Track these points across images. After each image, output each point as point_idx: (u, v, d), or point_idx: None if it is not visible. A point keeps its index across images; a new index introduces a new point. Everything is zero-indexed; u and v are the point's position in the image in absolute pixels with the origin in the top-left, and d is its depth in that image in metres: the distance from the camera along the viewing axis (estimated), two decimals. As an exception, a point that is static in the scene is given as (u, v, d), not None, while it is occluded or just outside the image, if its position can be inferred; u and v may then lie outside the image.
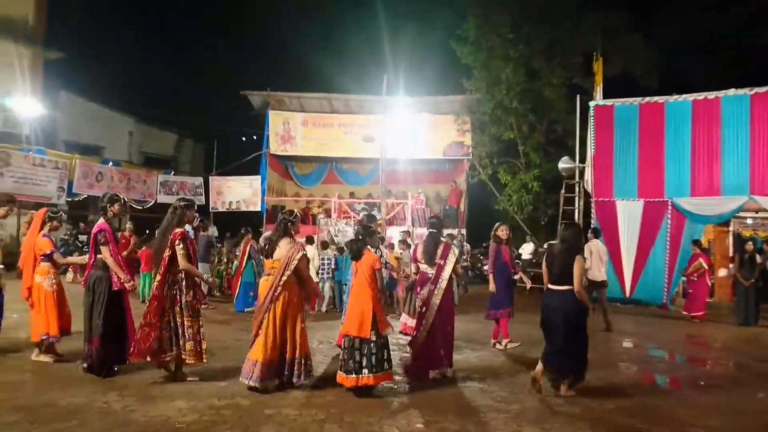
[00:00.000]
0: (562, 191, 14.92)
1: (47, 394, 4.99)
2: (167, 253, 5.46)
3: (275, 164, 19.68)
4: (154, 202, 19.50)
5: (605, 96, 14.23)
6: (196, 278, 5.57)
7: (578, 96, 14.95)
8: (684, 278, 12.67)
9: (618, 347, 8.49)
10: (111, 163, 19.04)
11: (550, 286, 5.60)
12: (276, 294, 5.34)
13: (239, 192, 18.78)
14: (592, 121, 13.85)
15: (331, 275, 11.51)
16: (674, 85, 14.71)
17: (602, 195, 13.54)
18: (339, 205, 17.58)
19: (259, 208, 18.43)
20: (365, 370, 5.25)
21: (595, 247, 10.05)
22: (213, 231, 16.70)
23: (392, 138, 16.45)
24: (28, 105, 16.86)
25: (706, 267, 11.78)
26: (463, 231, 17.73)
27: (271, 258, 5.52)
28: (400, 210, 18.07)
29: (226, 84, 26.27)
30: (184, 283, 5.46)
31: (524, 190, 16.89)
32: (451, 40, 17.92)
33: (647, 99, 13.46)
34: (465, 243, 16.08)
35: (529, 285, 8.78)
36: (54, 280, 6.32)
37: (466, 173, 18.87)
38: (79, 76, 21.72)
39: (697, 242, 12.06)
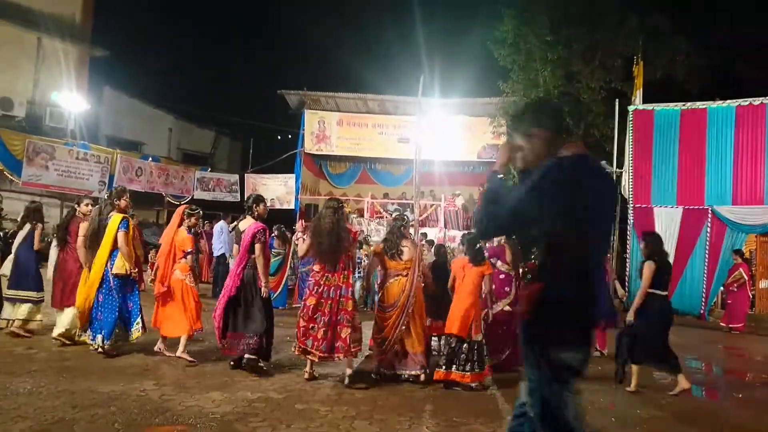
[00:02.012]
0: (598, 196, 14.67)
1: (88, 381, 5.15)
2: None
3: (309, 163, 19.85)
4: (190, 197, 19.89)
5: (645, 100, 13.96)
6: None
7: (617, 100, 14.70)
8: (723, 288, 12.35)
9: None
10: (150, 159, 19.49)
11: (660, 292, 5.92)
12: (413, 291, 5.87)
13: (274, 190, 19.00)
14: (630, 125, 13.61)
15: (363, 275, 11.53)
16: (718, 90, 14.32)
17: (640, 201, 13.29)
18: (372, 205, 17.64)
19: (292, 206, 18.61)
20: (460, 367, 5.71)
21: None
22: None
23: (427, 140, 16.42)
24: (74, 101, 17.33)
25: (747, 277, 11.47)
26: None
27: (400, 259, 6.00)
28: (433, 212, 18.02)
29: (264, 83, 26.70)
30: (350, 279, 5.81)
31: (559, 194, 16.64)
32: (488, 41, 17.79)
33: (689, 104, 13.17)
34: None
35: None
36: (192, 276, 6.44)
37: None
38: (122, 73, 22.38)
39: (738, 252, 11.75)
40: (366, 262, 11.68)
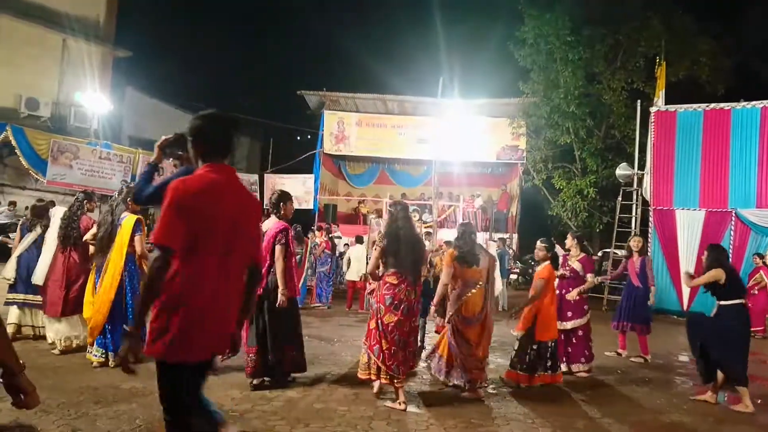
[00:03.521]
0: (619, 198, 14.55)
1: (110, 378, 5.24)
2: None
3: (328, 163, 19.94)
4: (210, 197, 20.03)
5: (667, 101, 13.80)
6: None
7: (638, 101, 14.53)
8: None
9: (674, 361, 8.23)
10: (171, 159, 19.66)
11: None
12: (488, 298, 5.76)
13: (293, 190, 18.66)
14: (652, 127, 13.46)
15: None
16: (743, 91, 14.10)
17: (661, 204, 13.14)
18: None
19: (311, 206, 18.69)
20: (549, 369, 5.92)
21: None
22: None
23: (446, 140, 16.41)
24: (97, 101, 17.59)
25: (767, 280, 11.27)
26: (515, 236, 17.52)
27: (478, 267, 5.64)
28: (452, 213, 17.99)
29: (284, 84, 26.88)
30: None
31: (579, 196, 16.53)
32: (509, 42, 17.71)
33: (712, 105, 12.99)
34: (512, 248, 15.78)
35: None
36: None
37: (519, 177, 18.63)
38: (144, 74, 22.63)
39: (759, 255, 11.57)
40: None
